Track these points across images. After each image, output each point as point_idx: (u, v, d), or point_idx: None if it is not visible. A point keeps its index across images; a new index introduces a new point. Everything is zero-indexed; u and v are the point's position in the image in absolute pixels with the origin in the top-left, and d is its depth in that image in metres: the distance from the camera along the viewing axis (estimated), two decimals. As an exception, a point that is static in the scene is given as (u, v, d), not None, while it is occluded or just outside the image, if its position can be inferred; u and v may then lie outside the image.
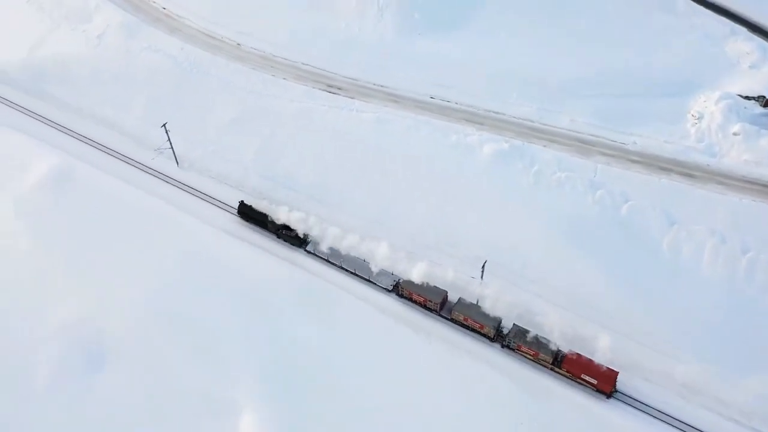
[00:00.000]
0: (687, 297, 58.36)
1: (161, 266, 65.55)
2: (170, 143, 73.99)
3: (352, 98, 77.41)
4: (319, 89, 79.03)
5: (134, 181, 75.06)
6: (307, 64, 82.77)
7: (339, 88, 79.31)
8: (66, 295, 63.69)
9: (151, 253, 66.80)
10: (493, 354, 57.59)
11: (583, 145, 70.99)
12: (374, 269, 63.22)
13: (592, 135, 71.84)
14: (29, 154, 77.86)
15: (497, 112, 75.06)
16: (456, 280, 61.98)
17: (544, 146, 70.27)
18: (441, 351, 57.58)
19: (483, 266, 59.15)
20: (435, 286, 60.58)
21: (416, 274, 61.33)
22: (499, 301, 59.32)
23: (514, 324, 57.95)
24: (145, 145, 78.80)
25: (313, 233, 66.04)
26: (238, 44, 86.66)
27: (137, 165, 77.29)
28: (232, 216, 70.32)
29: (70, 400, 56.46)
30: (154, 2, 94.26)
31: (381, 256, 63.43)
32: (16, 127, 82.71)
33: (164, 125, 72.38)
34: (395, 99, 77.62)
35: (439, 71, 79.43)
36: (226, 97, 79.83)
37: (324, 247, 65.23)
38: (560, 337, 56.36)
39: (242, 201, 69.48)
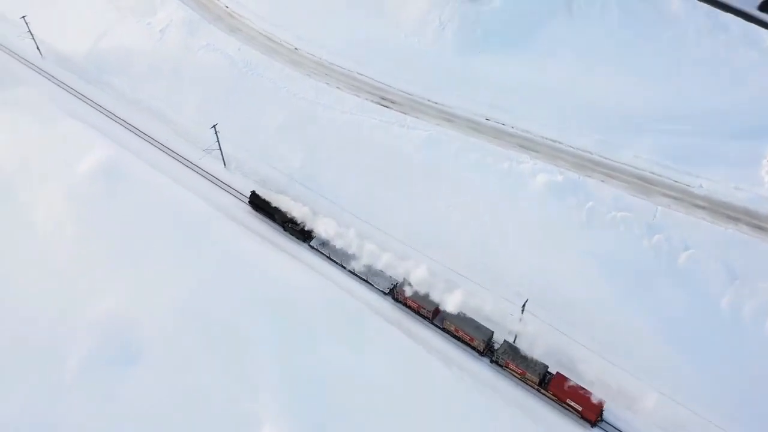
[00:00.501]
0: (745, 362, 53.77)
1: (198, 267, 65.12)
2: (219, 145, 73.91)
3: (404, 114, 75.38)
4: (372, 101, 77.35)
5: (180, 178, 75.38)
6: (363, 75, 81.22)
7: (392, 102, 77.43)
8: (103, 287, 64.13)
9: (190, 253, 66.58)
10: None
11: (644, 184, 66.66)
12: (374, 271, 63.02)
13: (655, 173, 67.38)
14: (85, 143, 79.29)
15: (554, 140, 71.53)
16: (493, 314, 59.32)
17: (602, 181, 66.39)
18: (474, 392, 54.92)
19: (524, 305, 56.22)
20: (427, 295, 59.80)
21: (453, 302, 59.04)
22: (538, 343, 56.27)
23: (504, 340, 56.71)
24: (194, 143, 79.12)
25: (352, 249, 64.56)
26: (296, 48, 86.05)
27: (185, 162, 77.67)
28: (273, 224, 69.64)
29: (98, 393, 56.53)
30: (219, 0, 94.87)
31: (418, 279, 61.35)
32: (76, 114, 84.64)
33: (214, 127, 72.31)
34: (449, 118, 75.13)
35: (497, 92, 76.47)
36: (278, 102, 79.22)
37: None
38: (601, 389, 53.03)
39: (254, 191, 70.28)
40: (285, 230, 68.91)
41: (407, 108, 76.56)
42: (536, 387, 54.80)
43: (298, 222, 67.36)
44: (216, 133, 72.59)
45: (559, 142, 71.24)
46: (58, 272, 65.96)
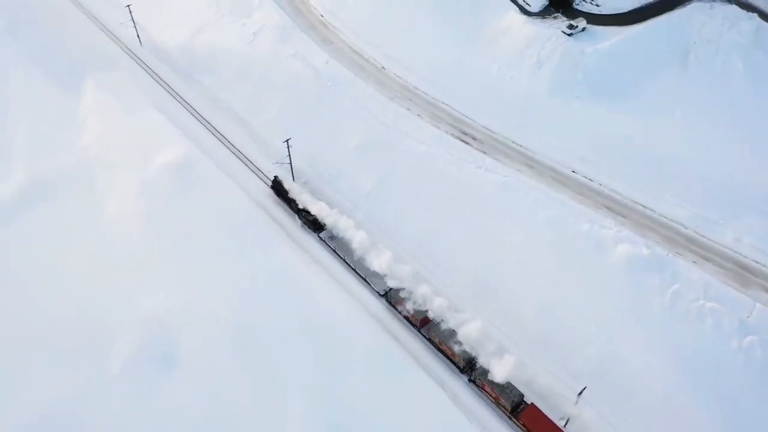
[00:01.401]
0: None
1: (247, 280, 63.97)
2: (290, 159, 72.44)
3: (483, 153, 70.77)
4: (452, 135, 73.26)
5: (247, 186, 74.66)
6: (446, 104, 77.23)
7: (473, 138, 72.98)
8: (156, 286, 64.30)
9: (244, 264, 65.53)
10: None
11: (743, 273, 58.63)
12: (373, 271, 62.33)
13: (758, 263, 59.15)
14: (164, 137, 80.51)
15: (645, 207, 64.52)
16: (544, 389, 53.96)
17: (693, 262, 58.99)
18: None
19: (581, 392, 50.55)
20: (419, 309, 58.85)
21: (501, 369, 54.15)
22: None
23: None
24: (268, 151, 78.22)
25: (404, 287, 60.96)
26: (383, 68, 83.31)
27: (255, 170, 76.90)
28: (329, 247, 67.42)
29: (138, 390, 56.55)
30: (314, 8, 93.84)
31: (468, 335, 56.85)
32: (161, 106, 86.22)
33: (287, 141, 70.88)
34: (531, 164, 69.75)
35: (589, 143, 70.15)
36: (356, 123, 76.81)
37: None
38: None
39: (276, 177, 72.22)
40: (299, 218, 69.97)
41: (488, 146, 71.87)
42: (508, 414, 52.71)
43: (312, 213, 68.61)
44: (288, 147, 71.16)
45: (651, 210, 64.19)
46: (117, 265, 66.80)
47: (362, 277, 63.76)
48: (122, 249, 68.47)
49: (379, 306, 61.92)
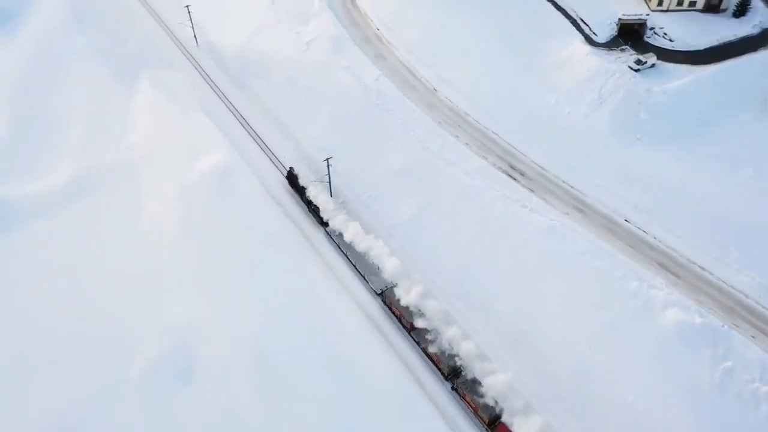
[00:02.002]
0: None
1: (275, 300, 62.07)
2: (329, 178, 70.60)
3: (530, 191, 66.88)
4: (499, 168, 69.62)
5: (284, 201, 73.37)
6: (496, 134, 73.56)
7: (521, 174, 69.15)
8: (183, 295, 63.52)
9: (271, 281, 63.76)
10: None
11: (811, 356, 53.00)
12: (374, 272, 63.07)
13: (827, 347, 53.39)
14: (209, 141, 79.95)
15: (703, 268, 59.24)
16: (574, 458, 50.20)
17: (752, 337, 53.63)
18: None
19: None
20: (410, 308, 58.50)
21: (525, 430, 50.63)
22: None
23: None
24: (309, 165, 76.62)
25: (432, 326, 57.92)
26: (434, 89, 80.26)
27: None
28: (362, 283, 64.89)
29: (155, 400, 55.85)
30: (371, 21, 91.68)
31: (494, 387, 53.37)
32: (209, 110, 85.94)
33: (327, 160, 69.07)
34: (581, 207, 65.39)
35: (646, 191, 65.15)
36: (401, 145, 74.23)
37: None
38: None
39: (292, 168, 73.67)
40: (309, 211, 71.58)
41: (536, 184, 67.94)
42: (485, 426, 52.84)
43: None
44: (328, 166, 69.38)
45: (710, 273, 58.87)
46: (147, 267, 66.52)
47: (361, 275, 64.18)
48: (154, 252, 68.14)
49: (403, 343, 59.36)
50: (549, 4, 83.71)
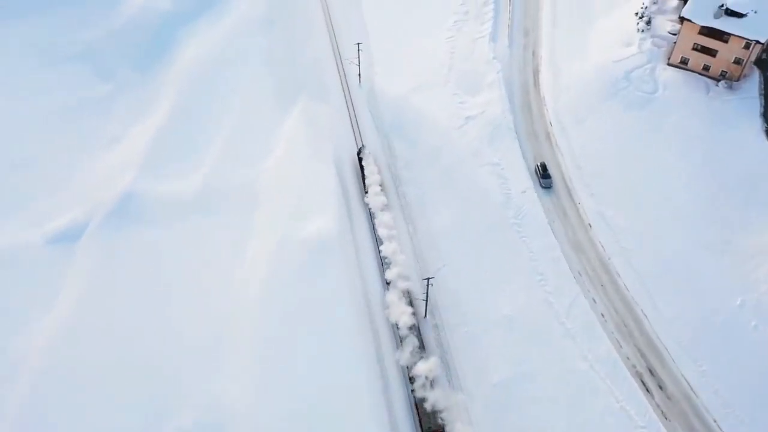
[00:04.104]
0: None
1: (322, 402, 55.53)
2: (426, 295, 60.21)
3: (663, 416, 49.84)
4: (631, 367, 53.55)
5: (372, 296, 64.57)
6: (646, 317, 56.27)
7: (659, 386, 51.96)
8: (234, 367, 59.01)
9: (324, 381, 56.88)
10: None
11: None
12: None
13: None
14: (324, 200, 73.03)
15: None
16: None
17: None
18: None
19: None
20: None
21: None
22: None
23: None
24: (416, 262, 66.70)
25: None
26: (589, 225, 64.45)
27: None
28: None
29: None
30: (547, 111, 77.07)
31: None
32: (340, 162, 79.18)
33: (428, 279, 58.62)
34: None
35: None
36: (521, 286, 60.41)
37: None
38: None
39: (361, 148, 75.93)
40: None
41: (674, 411, 50.61)
42: None
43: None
44: (428, 285, 58.94)
45: None
46: (213, 325, 62.94)
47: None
48: (229, 309, 64.26)
49: None
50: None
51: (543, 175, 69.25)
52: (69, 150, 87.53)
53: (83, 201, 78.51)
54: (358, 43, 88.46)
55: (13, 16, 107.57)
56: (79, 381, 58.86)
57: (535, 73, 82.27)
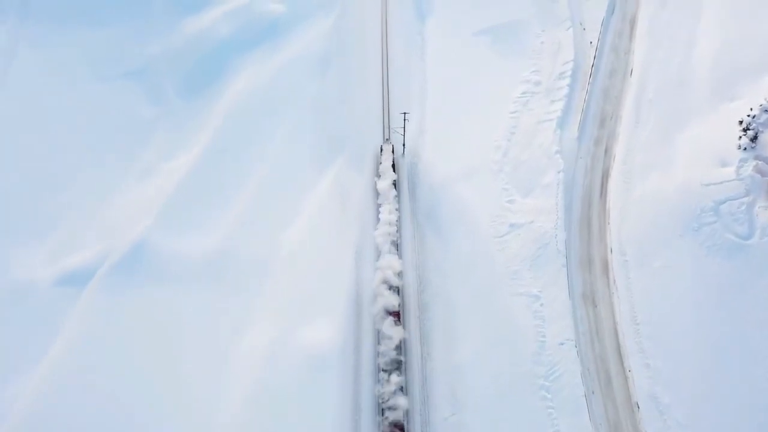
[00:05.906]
0: None
1: None
2: None
3: None
4: None
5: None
6: None
7: None
8: None
9: None
10: None
11: None
12: None
13: None
14: (332, 300, 64.33)
15: None
16: None
17: None
18: None
19: None
20: None
21: None
22: None
23: None
24: (426, 397, 57.31)
25: None
26: (636, 405, 52.14)
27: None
28: None
29: None
30: (609, 232, 64.39)
31: None
32: (362, 249, 70.09)
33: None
34: None
35: None
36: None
37: None
38: None
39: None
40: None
41: None
42: None
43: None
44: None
45: None
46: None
47: None
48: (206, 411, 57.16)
49: None
50: None
51: None
52: (102, 175, 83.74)
53: (100, 238, 74.26)
54: (404, 113, 78.49)
55: (83, 24, 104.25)
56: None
57: (605, 177, 69.21)
